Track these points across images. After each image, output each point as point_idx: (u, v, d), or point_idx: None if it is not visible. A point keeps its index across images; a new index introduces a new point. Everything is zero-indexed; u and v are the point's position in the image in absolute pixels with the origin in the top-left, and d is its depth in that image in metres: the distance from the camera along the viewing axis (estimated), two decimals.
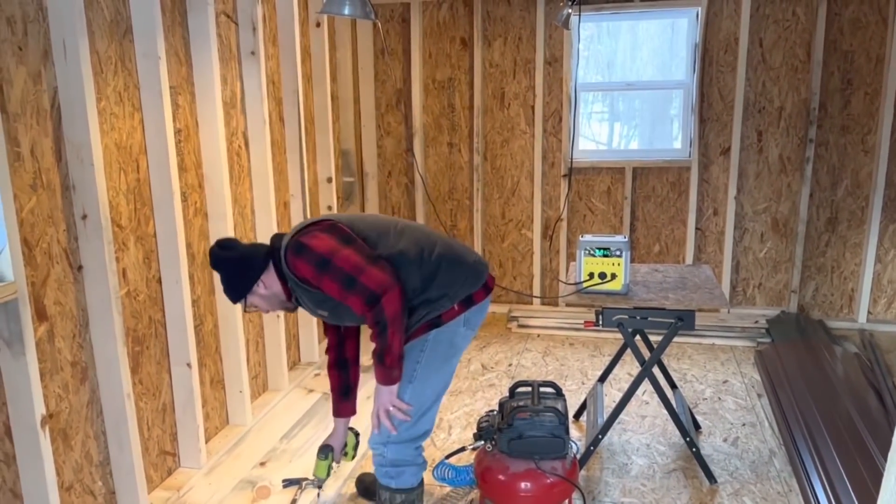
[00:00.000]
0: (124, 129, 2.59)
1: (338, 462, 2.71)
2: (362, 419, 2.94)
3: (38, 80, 2.20)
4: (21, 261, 2.07)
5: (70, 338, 2.36)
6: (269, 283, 2.26)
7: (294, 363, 4.04)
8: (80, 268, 2.39)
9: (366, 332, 2.30)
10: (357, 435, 2.76)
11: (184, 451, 2.97)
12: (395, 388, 2.23)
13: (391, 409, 2.24)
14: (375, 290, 2.07)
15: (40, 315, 2.23)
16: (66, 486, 2.36)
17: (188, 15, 2.94)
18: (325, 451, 2.65)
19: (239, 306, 3.17)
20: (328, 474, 2.67)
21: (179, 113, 2.91)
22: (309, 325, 4.07)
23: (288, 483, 2.84)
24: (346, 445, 2.72)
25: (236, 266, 2.24)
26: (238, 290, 2.26)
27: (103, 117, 2.47)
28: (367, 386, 2.67)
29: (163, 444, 2.88)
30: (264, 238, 3.52)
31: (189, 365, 2.88)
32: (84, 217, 2.35)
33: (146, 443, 2.76)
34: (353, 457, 2.77)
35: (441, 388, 2.38)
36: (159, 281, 2.81)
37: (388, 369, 2.17)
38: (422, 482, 2.45)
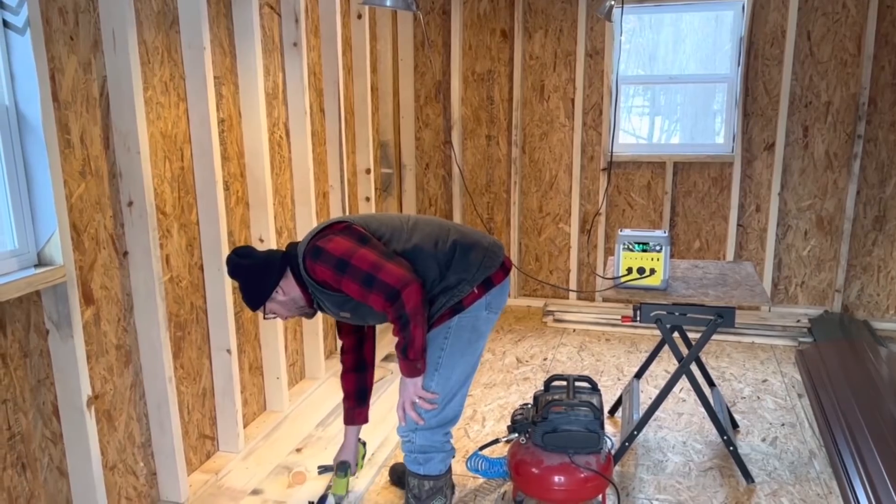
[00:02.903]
0: (170, 118, 2.64)
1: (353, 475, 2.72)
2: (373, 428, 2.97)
3: (89, 70, 2.25)
4: (70, 245, 2.13)
5: (115, 322, 2.43)
6: (287, 290, 2.30)
7: (331, 352, 4.09)
8: (125, 253, 2.45)
9: (381, 334, 2.31)
10: (364, 445, 2.76)
11: (222, 435, 3.03)
12: (419, 379, 2.27)
13: (417, 400, 2.28)
14: (395, 285, 2.10)
15: (87, 299, 2.29)
16: (109, 465, 2.42)
17: (233, 6, 2.98)
18: (344, 467, 2.63)
19: None
20: (347, 492, 2.65)
21: (223, 103, 2.95)
22: None
23: (323, 469, 2.88)
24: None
25: (254, 273, 2.28)
26: (256, 297, 2.29)
27: (150, 106, 2.52)
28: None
29: (202, 427, 2.94)
30: (303, 228, 3.56)
31: (229, 351, 2.93)
32: (130, 204, 2.41)
33: (186, 426, 2.82)
34: (361, 467, 2.76)
35: (467, 374, 2.39)
36: (201, 268, 2.87)
37: (412, 362, 2.21)
38: (449, 469, 2.48)
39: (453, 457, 2.49)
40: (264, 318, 2.39)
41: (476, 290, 2.31)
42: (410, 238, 2.29)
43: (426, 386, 2.31)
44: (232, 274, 2.32)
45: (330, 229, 2.27)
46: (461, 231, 2.38)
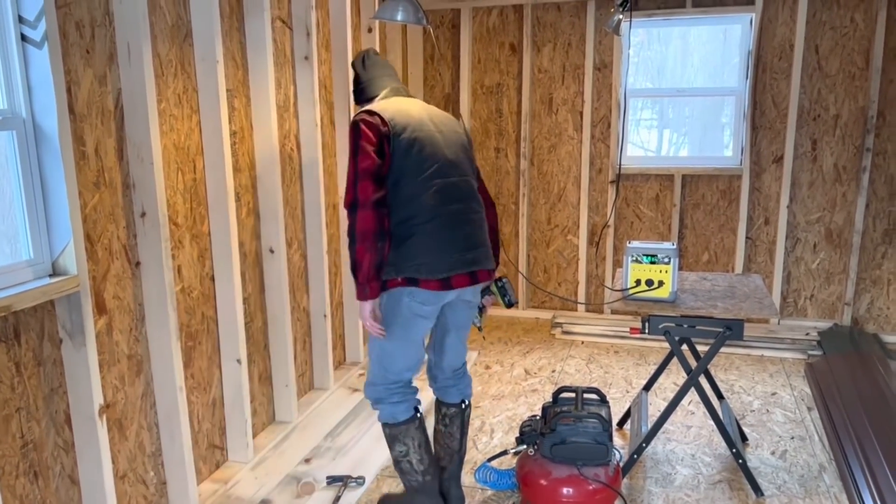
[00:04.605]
0: (182, 130, 2.67)
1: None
2: None
3: (104, 82, 2.29)
4: (84, 255, 2.16)
5: (127, 331, 2.45)
6: None
7: (339, 363, 4.10)
8: (137, 264, 2.47)
9: None
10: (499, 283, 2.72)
11: (232, 445, 3.04)
12: (367, 304, 2.36)
13: (367, 325, 2.40)
14: (358, 198, 2.27)
15: (100, 308, 2.32)
16: (120, 474, 2.44)
17: (245, 20, 3.02)
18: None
19: (287, 307, 3.26)
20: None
21: (235, 115, 2.98)
22: (355, 325, 4.12)
23: (332, 480, 2.89)
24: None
25: (355, 80, 2.61)
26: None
27: (163, 118, 2.55)
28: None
29: (212, 437, 2.95)
30: (314, 239, 3.59)
31: (239, 361, 2.95)
32: (143, 215, 2.43)
33: (196, 436, 2.83)
34: (509, 303, 2.72)
35: (398, 349, 2.47)
36: (212, 278, 2.89)
37: (360, 285, 2.33)
38: (404, 422, 2.53)
39: (414, 406, 2.56)
40: None
41: (400, 280, 2.37)
42: (416, 192, 2.35)
43: (371, 343, 2.51)
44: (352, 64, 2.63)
45: (378, 114, 2.35)
46: (447, 228, 2.38)
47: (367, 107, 2.42)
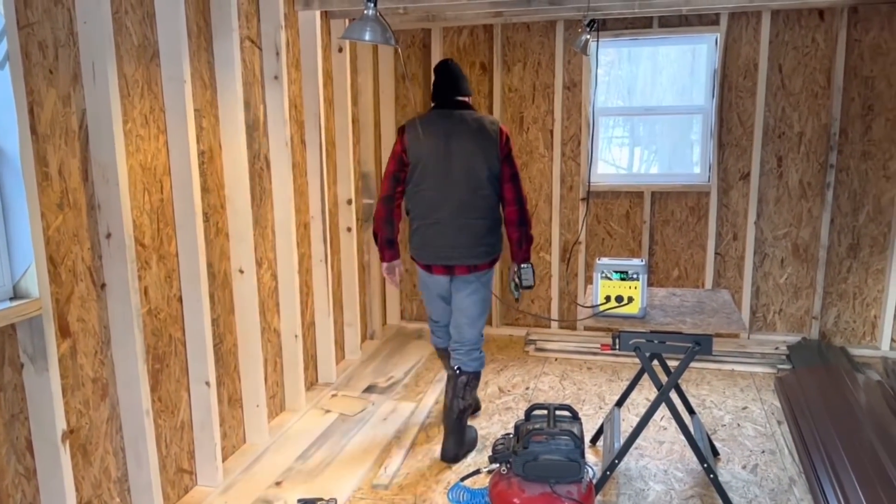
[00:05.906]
0: (149, 150, 2.64)
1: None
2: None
3: (68, 103, 2.26)
4: (46, 278, 2.12)
5: (92, 354, 2.40)
6: None
7: (311, 384, 4.06)
8: (103, 286, 2.44)
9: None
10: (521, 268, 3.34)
11: (201, 469, 2.99)
12: (384, 264, 3.36)
13: (385, 277, 3.43)
14: (380, 192, 3.29)
15: (63, 332, 2.27)
16: (84, 501, 2.38)
17: (214, 40, 3.01)
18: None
19: (257, 328, 3.25)
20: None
21: (203, 135, 2.97)
22: (327, 345, 4.09)
23: (303, 503, 2.85)
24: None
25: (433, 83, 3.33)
26: None
27: (129, 139, 2.53)
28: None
29: (180, 461, 2.90)
30: (284, 259, 3.57)
31: (208, 383, 2.91)
32: (108, 236, 2.40)
33: (164, 460, 2.78)
34: (517, 286, 3.37)
35: (426, 301, 3.47)
36: (180, 300, 2.86)
37: (378, 251, 3.37)
38: (437, 349, 3.61)
39: (439, 345, 3.55)
40: None
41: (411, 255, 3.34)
42: (414, 198, 3.21)
43: None
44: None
45: (407, 133, 3.18)
46: (438, 232, 3.17)
47: (412, 119, 3.23)
